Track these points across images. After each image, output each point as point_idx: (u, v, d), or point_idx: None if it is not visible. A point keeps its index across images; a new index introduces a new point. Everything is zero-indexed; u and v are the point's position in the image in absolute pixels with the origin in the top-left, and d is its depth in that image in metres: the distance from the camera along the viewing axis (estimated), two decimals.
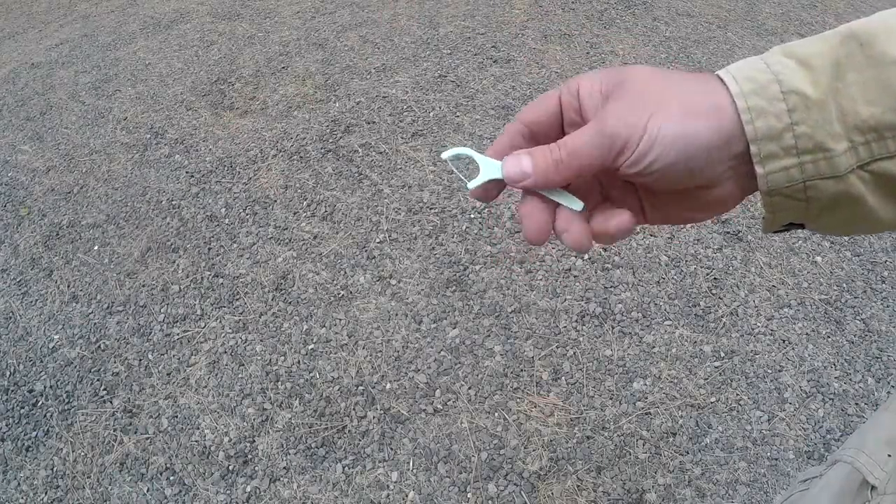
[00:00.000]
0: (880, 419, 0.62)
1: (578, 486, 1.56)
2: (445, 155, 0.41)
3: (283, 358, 1.88)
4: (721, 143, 0.33)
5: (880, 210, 0.33)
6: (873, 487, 0.54)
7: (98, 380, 1.89)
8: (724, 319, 1.91)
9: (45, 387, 1.89)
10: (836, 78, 0.31)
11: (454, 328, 1.91)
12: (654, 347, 1.83)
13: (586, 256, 2.10)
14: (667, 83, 0.34)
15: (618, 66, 0.37)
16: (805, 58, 0.32)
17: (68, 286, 2.19)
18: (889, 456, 0.56)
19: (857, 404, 1.69)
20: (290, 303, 2.03)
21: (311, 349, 1.90)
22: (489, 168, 0.40)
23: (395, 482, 1.59)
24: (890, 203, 0.32)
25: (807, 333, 1.87)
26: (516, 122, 0.41)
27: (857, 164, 0.31)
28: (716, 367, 1.78)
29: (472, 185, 0.40)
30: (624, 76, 0.36)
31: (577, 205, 0.39)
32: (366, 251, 2.17)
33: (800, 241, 2.15)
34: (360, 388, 1.79)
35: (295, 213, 2.35)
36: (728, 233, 2.18)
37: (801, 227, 0.36)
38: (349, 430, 1.70)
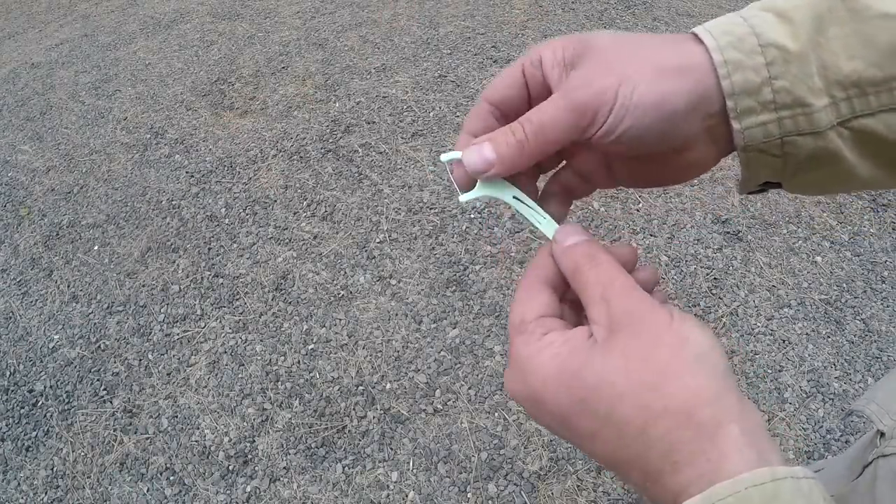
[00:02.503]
0: (894, 373, 0.63)
1: (578, 486, 1.56)
2: (445, 157, 0.38)
3: (283, 358, 1.88)
4: (696, 102, 0.31)
5: (859, 168, 0.32)
6: (882, 435, 0.55)
7: (98, 380, 1.89)
8: (724, 319, 1.91)
9: (45, 387, 1.89)
10: (817, 31, 0.30)
11: (454, 328, 1.91)
12: None
13: None
14: (635, 45, 0.32)
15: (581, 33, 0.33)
16: (784, 10, 0.31)
17: (68, 286, 2.19)
18: None
19: None
20: (290, 303, 2.03)
21: (311, 349, 1.90)
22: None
23: (395, 482, 1.59)
24: (869, 161, 0.31)
25: (807, 333, 1.87)
26: (482, 103, 0.36)
27: (837, 121, 0.30)
28: None
29: (464, 198, 0.37)
30: (588, 42, 0.33)
31: (551, 228, 0.36)
32: (366, 251, 2.17)
33: (800, 241, 2.15)
34: (360, 388, 1.79)
35: (295, 213, 2.35)
36: (728, 233, 2.18)
37: (778, 186, 0.35)
38: (349, 430, 1.70)
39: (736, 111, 0.31)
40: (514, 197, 0.37)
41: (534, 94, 0.36)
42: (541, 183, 0.41)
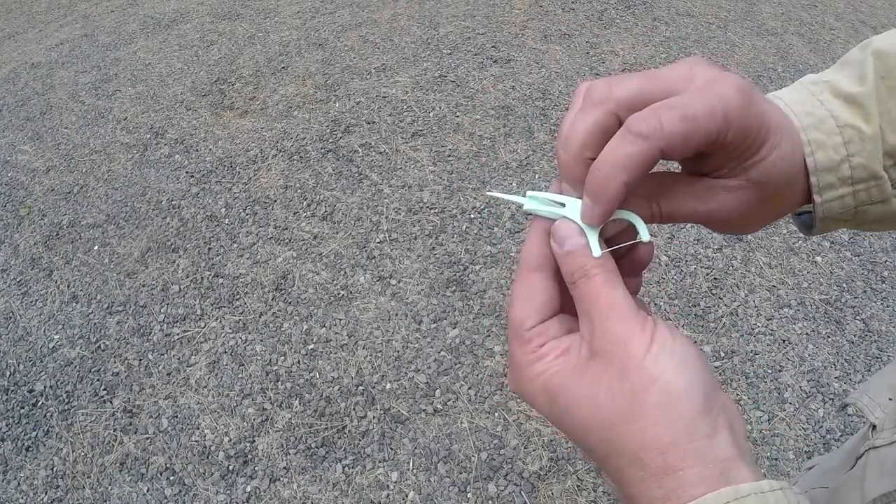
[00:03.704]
0: (889, 367, 0.66)
1: (578, 485, 1.56)
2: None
3: (283, 358, 1.88)
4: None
5: None
6: (874, 427, 0.56)
7: (98, 380, 1.89)
8: (724, 319, 1.91)
9: (45, 387, 1.89)
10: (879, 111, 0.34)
11: (454, 328, 1.91)
12: None
13: None
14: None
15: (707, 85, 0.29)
16: (852, 96, 0.35)
17: (68, 286, 2.19)
18: (890, 399, 0.59)
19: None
20: (290, 303, 2.03)
21: (311, 349, 1.90)
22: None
23: (395, 482, 1.59)
24: None
25: (807, 333, 1.87)
26: (608, 103, 0.29)
27: (891, 186, 0.34)
28: (716, 367, 1.78)
29: (596, 253, 0.31)
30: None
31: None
32: (366, 251, 2.17)
33: (800, 242, 2.15)
34: (360, 388, 1.79)
35: (295, 213, 2.35)
36: None
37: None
38: (349, 430, 1.70)
39: (818, 186, 0.34)
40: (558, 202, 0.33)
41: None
42: None
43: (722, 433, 0.27)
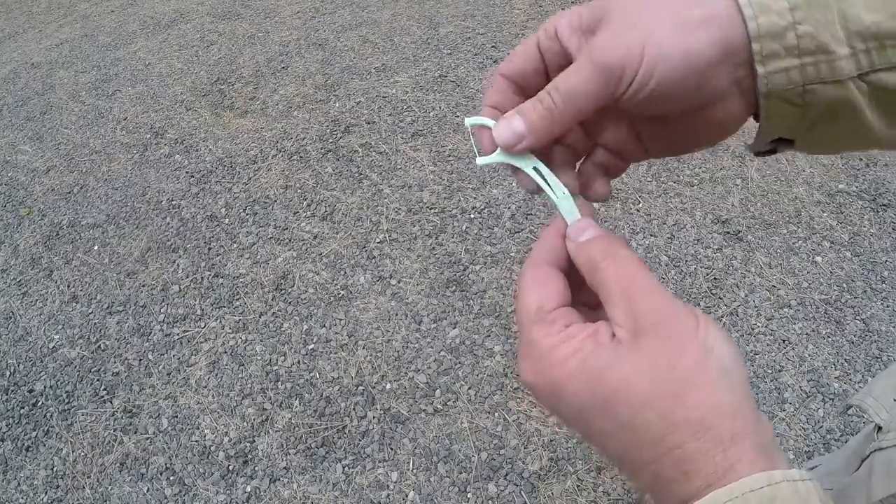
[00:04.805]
0: (893, 368, 0.65)
1: (578, 486, 1.56)
2: (469, 121, 0.37)
3: (283, 358, 1.88)
4: (724, 52, 0.30)
5: (875, 125, 0.32)
6: (879, 428, 0.56)
7: (98, 380, 1.89)
8: (724, 319, 1.91)
9: (45, 387, 1.89)
10: None
11: (454, 328, 1.91)
12: None
13: None
14: (656, 1, 0.31)
15: None
16: None
17: (68, 286, 2.19)
18: (895, 400, 0.58)
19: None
20: (290, 303, 2.03)
21: (311, 349, 1.90)
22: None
23: (395, 482, 1.59)
24: (884, 120, 0.31)
25: (807, 333, 1.87)
26: (498, 78, 0.36)
27: (857, 73, 0.30)
28: None
29: (481, 161, 0.36)
30: (605, 4, 0.32)
31: (568, 207, 0.35)
32: (366, 251, 2.17)
33: (800, 242, 2.15)
34: (360, 388, 1.79)
35: (295, 213, 2.35)
36: (728, 233, 2.18)
37: (790, 144, 0.35)
38: (349, 430, 1.70)
39: (761, 55, 0.30)
40: (534, 168, 0.36)
41: (551, 66, 0.35)
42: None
43: (754, 403, 0.28)
